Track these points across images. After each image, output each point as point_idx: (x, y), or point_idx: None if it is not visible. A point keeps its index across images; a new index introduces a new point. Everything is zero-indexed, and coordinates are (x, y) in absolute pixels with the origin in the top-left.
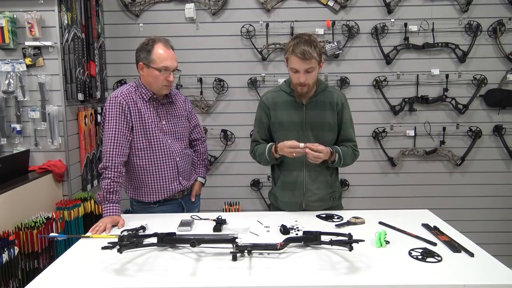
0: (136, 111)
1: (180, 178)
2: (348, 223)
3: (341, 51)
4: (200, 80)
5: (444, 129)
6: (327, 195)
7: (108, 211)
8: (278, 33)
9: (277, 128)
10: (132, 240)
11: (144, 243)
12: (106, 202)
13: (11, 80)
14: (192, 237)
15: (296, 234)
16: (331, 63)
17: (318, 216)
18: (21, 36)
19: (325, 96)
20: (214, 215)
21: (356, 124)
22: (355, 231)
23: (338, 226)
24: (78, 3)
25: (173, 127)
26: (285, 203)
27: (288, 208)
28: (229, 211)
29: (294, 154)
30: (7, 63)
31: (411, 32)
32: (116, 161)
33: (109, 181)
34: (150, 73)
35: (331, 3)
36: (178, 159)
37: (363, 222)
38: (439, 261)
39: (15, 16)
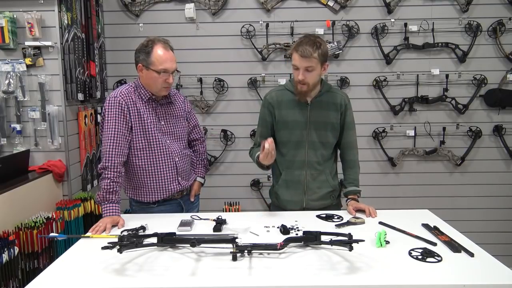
0: (135, 111)
1: (179, 178)
2: (348, 223)
3: (341, 51)
4: (200, 80)
5: (444, 129)
6: (327, 194)
7: (108, 211)
8: (278, 33)
9: (280, 127)
10: (132, 240)
11: (144, 243)
12: (106, 202)
13: (11, 80)
14: (192, 237)
15: (296, 234)
16: (331, 63)
17: (318, 216)
18: (21, 36)
19: (329, 97)
20: (214, 215)
21: (356, 124)
22: (355, 231)
23: (338, 226)
24: (78, 3)
25: (172, 127)
26: (286, 202)
27: (289, 206)
28: (229, 211)
29: (268, 156)
30: (7, 63)
31: (411, 32)
32: (116, 161)
33: (108, 181)
34: (149, 75)
35: (331, 3)
36: (177, 159)
37: (363, 222)
38: (439, 261)
39: (15, 16)
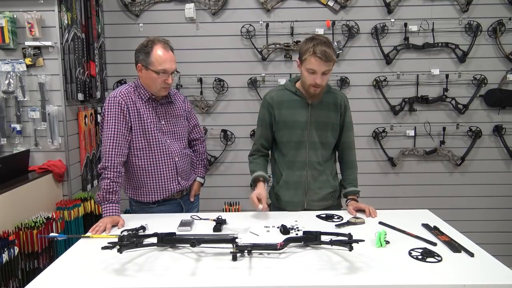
0: (135, 111)
1: (179, 178)
2: (348, 223)
3: (341, 51)
4: (200, 80)
5: (444, 129)
6: (328, 194)
7: (108, 211)
8: (278, 33)
9: (281, 127)
10: (132, 240)
11: (144, 243)
12: (106, 202)
13: (11, 80)
14: (192, 237)
15: (296, 234)
16: None
17: (318, 216)
18: (21, 36)
19: (329, 97)
20: (214, 215)
21: (356, 124)
22: (355, 231)
23: (338, 226)
24: (78, 3)
25: (172, 127)
26: (287, 202)
27: (290, 207)
28: (229, 211)
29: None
30: (7, 63)
31: (411, 32)
32: (115, 161)
33: (108, 181)
34: (149, 75)
35: (331, 3)
36: (177, 159)
37: (363, 222)
38: (439, 261)
39: (15, 16)
